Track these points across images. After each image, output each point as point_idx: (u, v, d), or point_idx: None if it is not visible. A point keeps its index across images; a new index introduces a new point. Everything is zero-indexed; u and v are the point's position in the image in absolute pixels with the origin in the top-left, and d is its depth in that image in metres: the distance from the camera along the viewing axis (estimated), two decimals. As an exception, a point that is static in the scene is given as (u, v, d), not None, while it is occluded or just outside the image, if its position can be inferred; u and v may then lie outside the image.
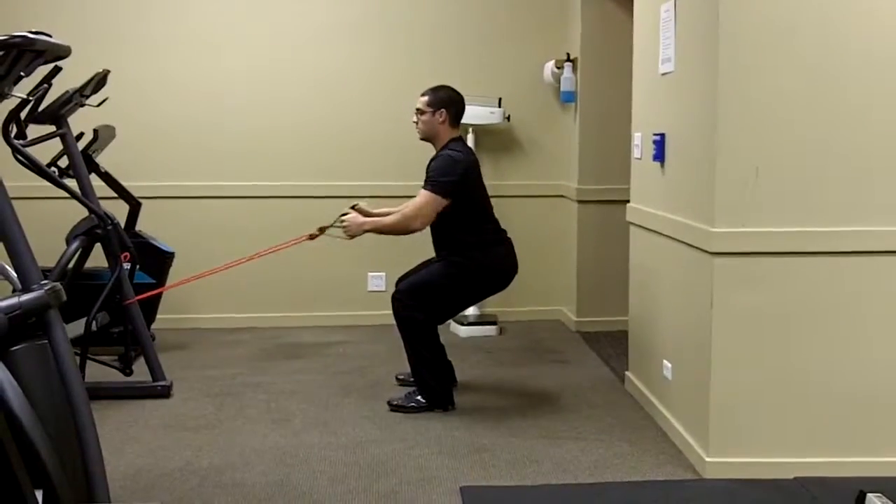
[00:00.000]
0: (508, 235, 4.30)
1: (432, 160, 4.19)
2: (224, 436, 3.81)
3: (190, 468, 3.45)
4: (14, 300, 2.02)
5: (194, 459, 3.54)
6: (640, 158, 4.27)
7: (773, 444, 3.33)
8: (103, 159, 4.93)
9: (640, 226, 4.27)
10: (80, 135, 4.62)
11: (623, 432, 3.85)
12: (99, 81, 4.45)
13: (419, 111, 4.23)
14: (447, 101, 4.21)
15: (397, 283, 4.30)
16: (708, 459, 3.35)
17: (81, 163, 4.41)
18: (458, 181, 4.07)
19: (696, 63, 3.48)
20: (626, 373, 4.50)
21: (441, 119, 4.19)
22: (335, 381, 4.63)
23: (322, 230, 4.17)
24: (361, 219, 4.14)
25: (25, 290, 2.09)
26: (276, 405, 4.22)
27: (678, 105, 3.71)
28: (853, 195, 3.25)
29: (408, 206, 4.08)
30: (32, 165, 4.05)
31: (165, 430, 3.87)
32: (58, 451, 1.98)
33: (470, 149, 4.34)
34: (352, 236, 4.12)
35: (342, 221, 4.12)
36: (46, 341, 2.09)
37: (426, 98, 4.23)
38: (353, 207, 4.23)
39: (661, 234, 3.91)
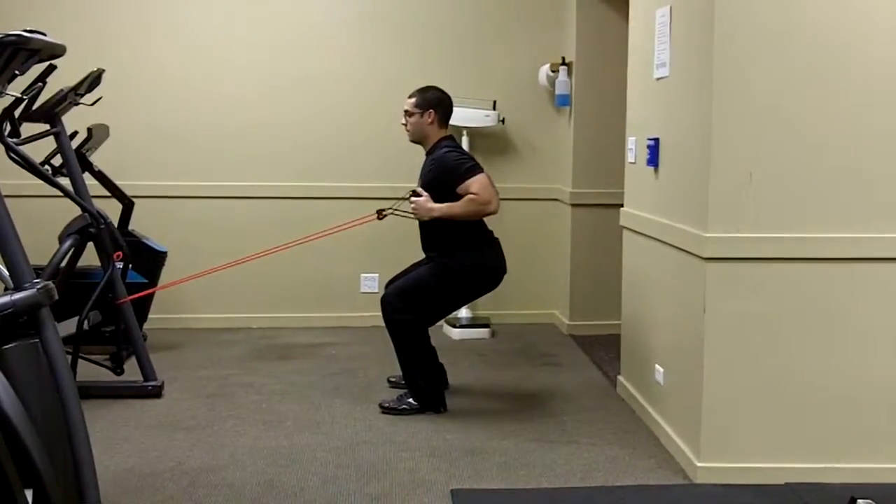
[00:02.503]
0: (496, 236, 4.29)
1: (432, 164, 4.16)
2: (215, 436, 3.80)
3: (181, 468, 3.44)
4: (6, 299, 2.02)
5: (185, 459, 3.53)
6: (634, 163, 4.27)
7: (764, 450, 3.33)
8: (97, 158, 4.93)
9: (633, 230, 4.27)
10: (74, 133, 4.61)
11: (614, 436, 3.85)
12: (93, 80, 4.45)
13: (407, 113, 4.22)
14: (435, 102, 4.21)
15: (387, 287, 4.29)
16: (699, 464, 3.35)
17: (75, 161, 4.40)
18: (472, 159, 4.13)
19: (690, 68, 3.49)
20: (619, 377, 4.50)
21: (430, 120, 4.19)
22: (327, 382, 4.63)
23: (382, 212, 4.25)
24: (431, 204, 4.08)
25: (17, 288, 2.08)
26: (268, 406, 4.22)
27: (673, 109, 3.72)
28: (847, 201, 3.25)
29: (472, 196, 4.00)
30: (26, 164, 4.04)
31: (156, 430, 3.86)
32: (48, 450, 1.97)
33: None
34: (418, 217, 4.14)
35: (410, 202, 4.12)
36: (38, 340, 2.08)
37: (413, 99, 4.23)
38: (414, 192, 4.17)
39: (654, 238, 3.91)
